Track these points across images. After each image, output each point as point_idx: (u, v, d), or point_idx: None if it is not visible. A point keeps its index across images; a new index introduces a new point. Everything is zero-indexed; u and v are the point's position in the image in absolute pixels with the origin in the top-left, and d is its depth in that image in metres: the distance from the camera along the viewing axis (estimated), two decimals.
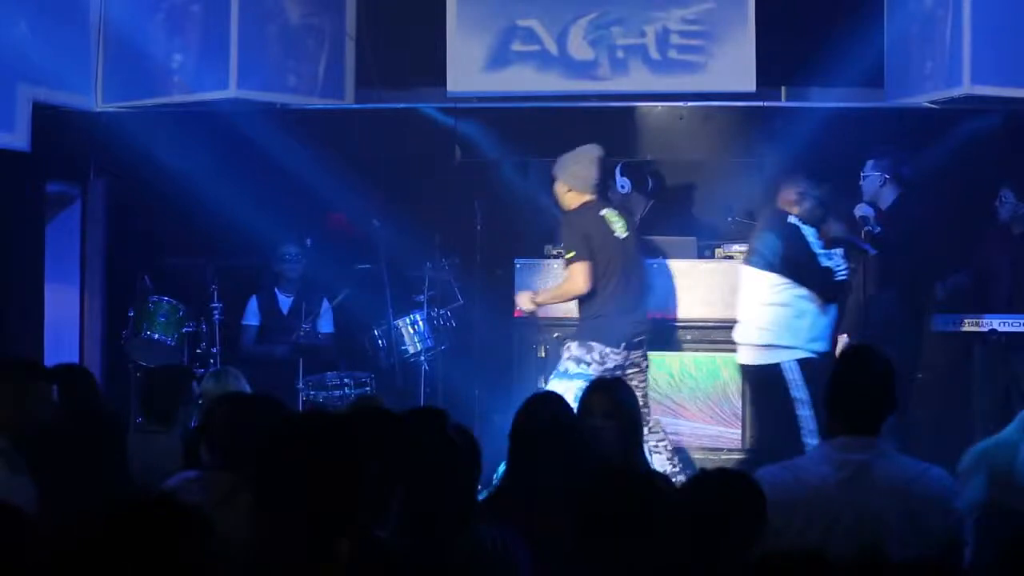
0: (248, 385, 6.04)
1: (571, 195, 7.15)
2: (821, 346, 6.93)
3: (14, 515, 2.46)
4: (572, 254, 6.97)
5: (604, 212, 7.12)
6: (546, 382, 7.31)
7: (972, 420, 7.55)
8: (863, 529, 3.52)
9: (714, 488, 3.30)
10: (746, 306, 7.09)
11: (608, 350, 6.88)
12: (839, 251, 7.05)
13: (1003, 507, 4.25)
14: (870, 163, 7.73)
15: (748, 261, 7.16)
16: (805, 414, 6.74)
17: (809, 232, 7.00)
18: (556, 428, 4.28)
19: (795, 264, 6.92)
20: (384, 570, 2.78)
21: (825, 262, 6.96)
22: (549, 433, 4.24)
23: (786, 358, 6.85)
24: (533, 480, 4.08)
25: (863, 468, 3.61)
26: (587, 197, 7.12)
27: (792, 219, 7.00)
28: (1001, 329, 7.41)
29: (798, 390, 6.79)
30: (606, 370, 6.83)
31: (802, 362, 6.86)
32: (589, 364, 6.87)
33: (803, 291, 6.92)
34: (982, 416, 7.47)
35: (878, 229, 7.45)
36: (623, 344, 6.90)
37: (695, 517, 3.17)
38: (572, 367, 6.90)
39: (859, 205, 7.57)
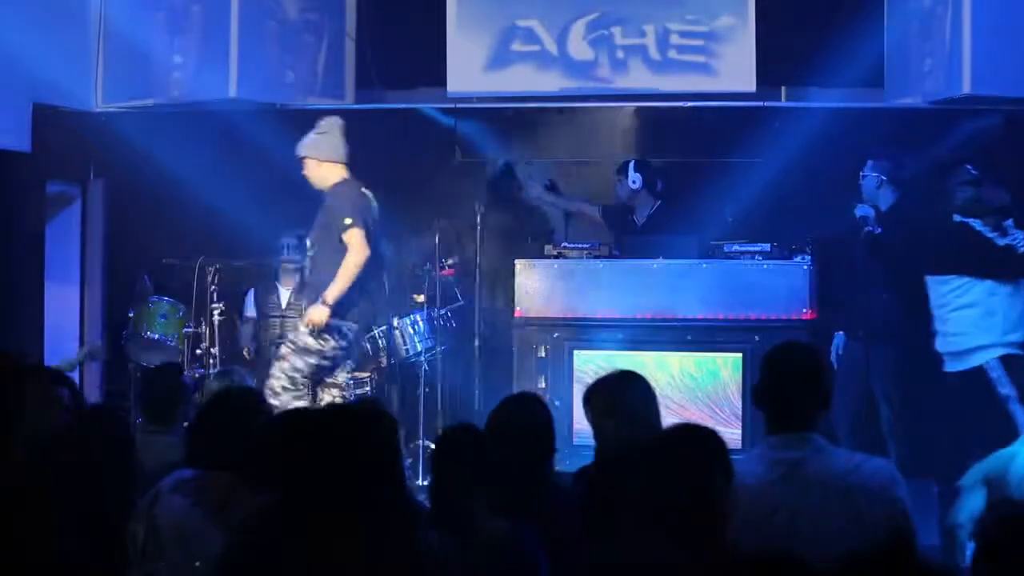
0: (253, 384, 6.05)
1: (327, 167, 7.20)
2: (1019, 336, 6.85)
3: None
4: (350, 220, 6.98)
5: (364, 189, 7.24)
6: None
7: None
8: (799, 526, 3.49)
9: (674, 440, 3.29)
10: (937, 316, 7.07)
11: (347, 326, 7.11)
12: (1009, 222, 6.94)
13: (1002, 510, 4.23)
14: (869, 163, 7.70)
15: (927, 271, 7.11)
16: (1016, 409, 6.66)
17: (976, 223, 6.93)
18: (532, 428, 4.29)
19: (977, 261, 6.86)
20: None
21: (1002, 241, 6.87)
22: (526, 434, 4.25)
23: (987, 357, 6.77)
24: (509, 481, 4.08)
25: (796, 465, 3.57)
26: (343, 172, 7.22)
27: (956, 217, 6.94)
28: None
29: (1004, 387, 6.69)
30: (344, 346, 7.08)
31: (1004, 359, 6.78)
32: (327, 340, 7.06)
33: (985, 284, 6.84)
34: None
35: (879, 230, 7.44)
36: (366, 322, 7.21)
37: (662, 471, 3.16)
38: (312, 343, 7.07)
39: (859, 205, 7.55)
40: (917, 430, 7.44)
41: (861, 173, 7.70)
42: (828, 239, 7.75)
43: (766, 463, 3.61)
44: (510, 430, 4.29)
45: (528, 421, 4.38)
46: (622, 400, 4.49)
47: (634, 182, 8.41)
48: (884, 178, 7.63)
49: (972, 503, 4.55)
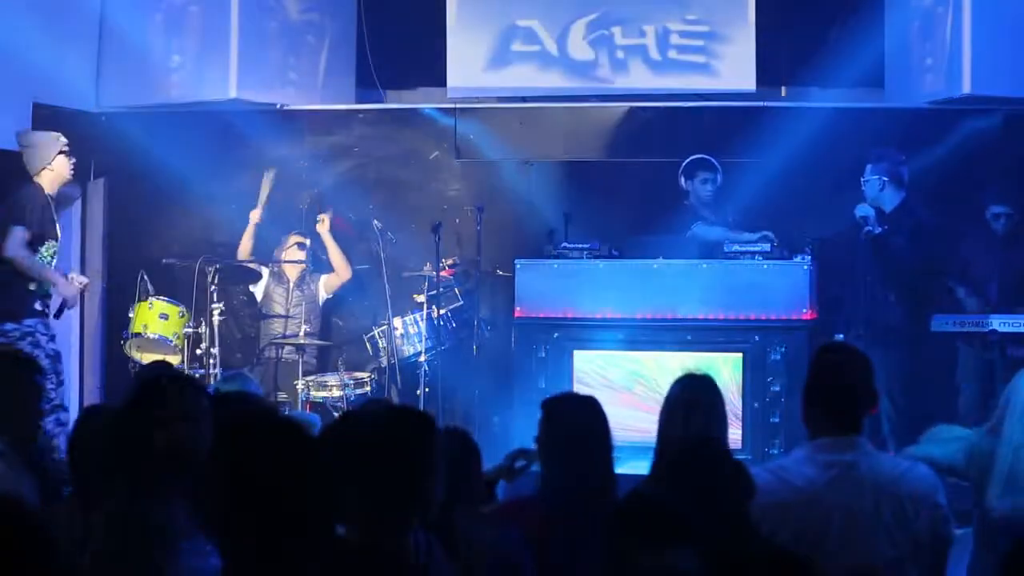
0: (259, 388, 6.03)
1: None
2: None
3: (22, 510, 2.44)
4: None
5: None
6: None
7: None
8: (855, 529, 3.51)
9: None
10: None
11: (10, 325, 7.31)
12: None
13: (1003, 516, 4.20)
14: (869, 167, 7.68)
15: None
16: None
17: None
18: (590, 434, 4.20)
19: None
20: (342, 569, 2.77)
21: None
22: (583, 439, 4.16)
23: None
24: (564, 484, 4.04)
25: (850, 467, 3.59)
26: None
27: None
28: (1001, 329, 7.39)
29: None
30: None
31: None
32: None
33: None
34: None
35: (879, 230, 7.43)
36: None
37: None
38: None
39: (860, 205, 7.55)
40: (919, 430, 7.42)
41: (862, 178, 7.68)
42: (828, 239, 7.75)
43: (817, 465, 3.61)
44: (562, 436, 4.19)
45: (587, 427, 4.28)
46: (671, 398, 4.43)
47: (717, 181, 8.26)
48: (886, 179, 7.62)
49: (931, 449, 4.48)
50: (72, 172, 7.69)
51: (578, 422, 4.14)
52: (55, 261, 7.59)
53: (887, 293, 7.60)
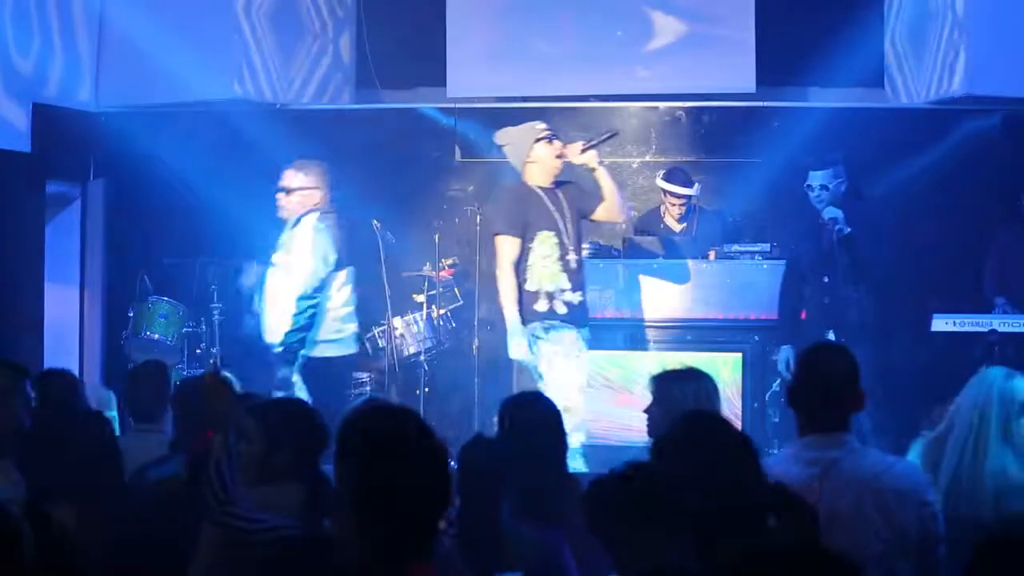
0: (237, 389, 6.01)
1: None
2: None
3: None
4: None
5: None
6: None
7: None
8: (837, 525, 3.50)
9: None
10: None
11: None
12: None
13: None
14: (829, 172, 7.24)
15: None
16: None
17: None
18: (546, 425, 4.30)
19: None
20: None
21: None
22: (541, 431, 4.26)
23: None
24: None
25: (833, 464, 3.60)
26: None
27: None
28: (1001, 329, 7.37)
29: None
30: None
31: None
32: None
33: None
34: None
35: (848, 230, 7.27)
36: None
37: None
38: None
39: (827, 208, 7.32)
40: (897, 427, 7.44)
41: (820, 184, 7.42)
42: (796, 242, 7.65)
43: (801, 463, 3.62)
44: (524, 429, 4.28)
45: (540, 418, 4.38)
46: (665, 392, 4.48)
47: (698, 194, 8.16)
48: (847, 181, 7.44)
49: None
50: (559, 155, 6.90)
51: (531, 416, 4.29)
52: (557, 253, 6.82)
53: (857, 291, 7.52)
